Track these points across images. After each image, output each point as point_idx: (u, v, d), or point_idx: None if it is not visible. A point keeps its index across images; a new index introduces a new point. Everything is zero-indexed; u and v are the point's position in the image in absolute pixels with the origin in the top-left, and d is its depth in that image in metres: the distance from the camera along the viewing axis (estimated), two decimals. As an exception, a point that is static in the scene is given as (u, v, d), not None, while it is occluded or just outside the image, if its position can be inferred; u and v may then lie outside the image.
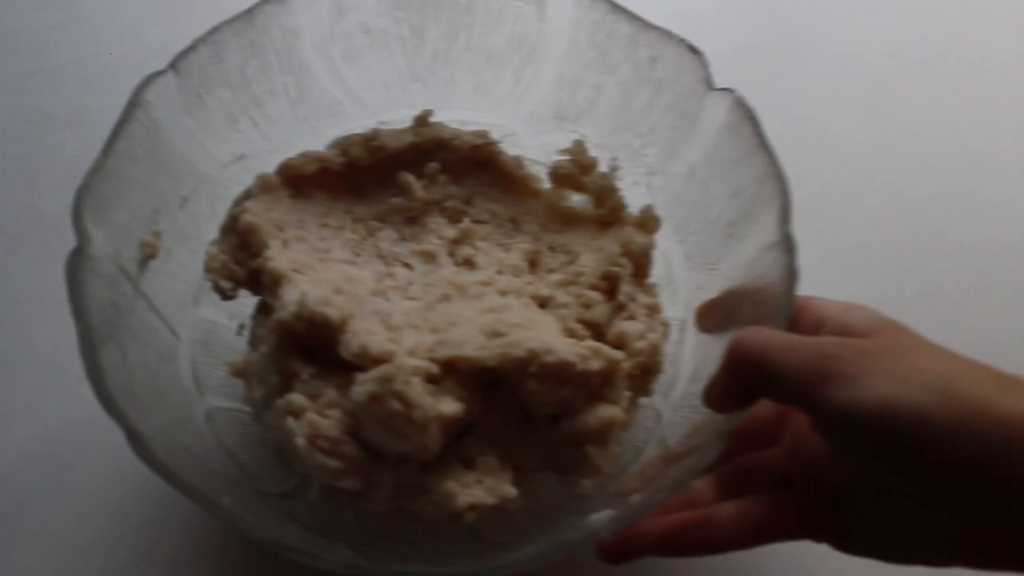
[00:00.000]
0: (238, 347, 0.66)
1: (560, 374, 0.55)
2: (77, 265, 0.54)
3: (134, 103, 0.61)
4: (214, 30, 0.65)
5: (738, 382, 0.49)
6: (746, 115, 0.61)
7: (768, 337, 0.48)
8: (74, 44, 0.98)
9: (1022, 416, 0.40)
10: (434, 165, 0.69)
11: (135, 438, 0.49)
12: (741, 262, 0.60)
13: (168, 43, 0.96)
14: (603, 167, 0.69)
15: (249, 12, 0.67)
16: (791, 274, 0.54)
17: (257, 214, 0.64)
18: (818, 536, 0.51)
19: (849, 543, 0.50)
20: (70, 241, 0.78)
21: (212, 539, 0.66)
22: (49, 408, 0.72)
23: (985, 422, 0.40)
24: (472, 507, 0.53)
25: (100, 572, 0.66)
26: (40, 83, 0.94)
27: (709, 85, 0.64)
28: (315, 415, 0.55)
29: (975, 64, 0.98)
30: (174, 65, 0.64)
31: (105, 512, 0.68)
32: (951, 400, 0.41)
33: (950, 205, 0.87)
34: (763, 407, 0.51)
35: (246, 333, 0.65)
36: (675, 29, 0.67)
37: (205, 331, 0.66)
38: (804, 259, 0.77)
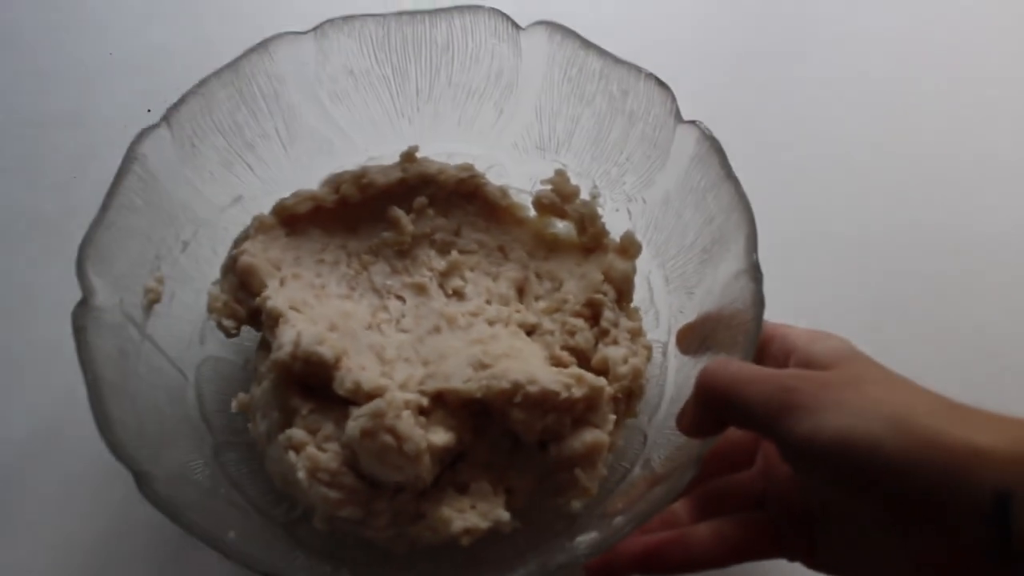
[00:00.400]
0: (246, 381, 0.68)
1: (544, 403, 0.58)
2: (83, 317, 0.56)
3: (130, 157, 0.63)
4: (203, 82, 0.68)
5: (707, 412, 0.52)
6: (713, 147, 0.63)
7: (734, 370, 0.50)
8: (74, 44, 0.98)
9: (971, 447, 0.42)
10: (422, 200, 0.71)
11: (142, 481, 0.51)
12: (715, 287, 0.63)
13: (168, 43, 0.97)
14: (585, 195, 0.72)
15: (235, 63, 0.69)
16: (758, 301, 0.56)
17: (254, 255, 0.67)
18: (791, 555, 0.54)
19: (820, 562, 0.52)
20: (70, 241, 0.79)
21: None
22: (49, 408, 0.73)
23: (936, 453, 0.42)
24: (467, 531, 0.57)
25: (100, 571, 0.67)
26: (40, 83, 0.95)
27: (678, 118, 0.66)
28: (314, 449, 0.58)
29: (976, 63, 0.99)
30: (166, 118, 0.66)
31: (106, 512, 0.68)
32: (904, 432, 0.43)
33: (950, 205, 0.87)
34: (738, 431, 0.53)
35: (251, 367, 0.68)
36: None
37: (212, 368, 0.68)
38: (804, 257, 0.78)
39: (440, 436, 0.57)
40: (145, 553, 0.67)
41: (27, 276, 0.81)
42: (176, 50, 0.97)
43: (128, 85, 0.94)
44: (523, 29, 0.71)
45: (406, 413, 0.56)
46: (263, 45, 0.69)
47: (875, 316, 0.79)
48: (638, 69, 0.68)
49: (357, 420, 0.56)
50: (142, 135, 0.64)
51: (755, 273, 0.57)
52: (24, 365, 0.76)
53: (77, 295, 0.75)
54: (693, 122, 0.65)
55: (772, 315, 0.57)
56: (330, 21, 0.71)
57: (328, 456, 0.58)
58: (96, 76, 0.95)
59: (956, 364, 0.75)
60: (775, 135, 0.92)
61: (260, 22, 0.97)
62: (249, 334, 0.68)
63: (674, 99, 0.67)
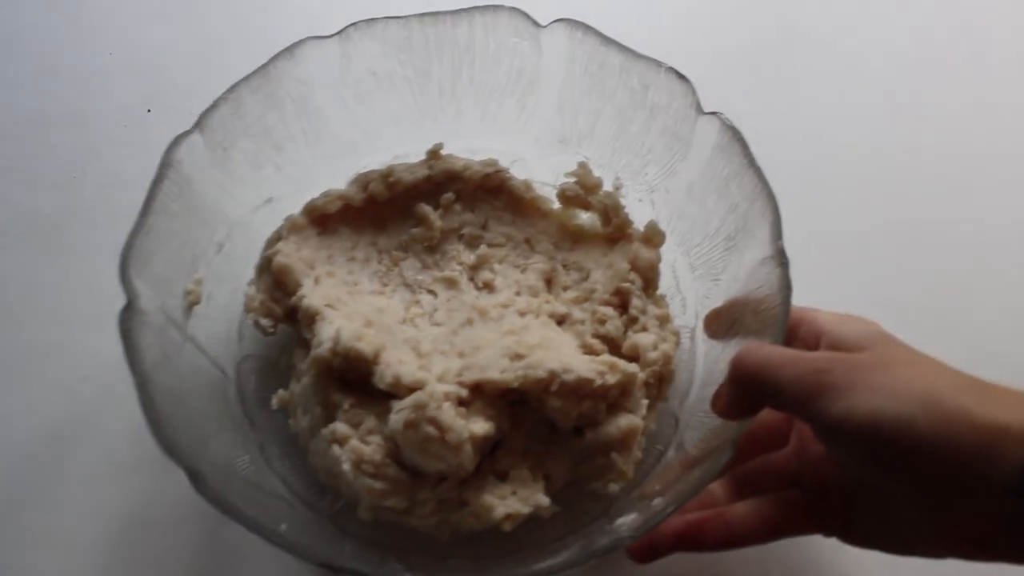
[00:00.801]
0: (282, 378, 0.69)
1: (579, 390, 0.60)
2: (129, 321, 0.57)
3: (165, 164, 0.64)
4: (232, 88, 0.69)
5: (742, 394, 0.54)
6: (735, 136, 0.65)
7: (766, 353, 0.52)
8: (74, 44, 0.98)
9: (997, 425, 0.44)
10: (449, 196, 0.73)
11: (196, 478, 0.52)
12: (740, 274, 0.64)
13: (168, 43, 0.98)
14: (608, 186, 0.73)
15: (264, 68, 0.70)
16: (786, 286, 0.58)
17: (288, 255, 0.68)
18: (827, 531, 0.56)
19: (855, 537, 0.54)
20: (70, 241, 0.81)
21: (213, 538, 0.68)
22: (49, 408, 0.73)
23: (964, 431, 0.44)
24: (509, 517, 0.59)
25: (100, 570, 0.67)
26: (40, 83, 0.95)
27: (699, 110, 0.68)
28: (358, 442, 0.60)
29: (977, 63, 0.99)
30: (199, 124, 0.67)
31: (105, 511, 0.68)
32: (934, 411, 0.45)
33: (951, 205, 0.87)
34: (771, 412, 0.55)
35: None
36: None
37: (250, 365, 0.70)
38: (806, 257, 0.79)
39: (480, 426, 0.59)
40: (147, 553, 0.68)
41: (27, 276, 0.81)
42: (176, 50, 0.98)
43: (128, 85, 0.94)
44: (543, 27, 0.72)
45: (447, 404, 0.58)
46: (289, 50, 0.71)
47: (876, 314, 0.79)
48: (658, 63, 0.70)
49: (400, 413, 0.58)
50: (176, 141, 0.65)
51: (781, 259, 0.59)
52: (24, 365, 0.76)
53: (76, 295, 0.77)
54: (715, 113, 0.66)
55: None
56: (354, 24, 0.72)
57: (372, 448, 0.59)
58: (96, 76, 0.96)
59: (957, 364, 0.75)
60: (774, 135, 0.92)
61: (260, 22, 0.99)
62: (281, 331, 0.69)
63: (694, 92, 0.68)
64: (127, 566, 0.67)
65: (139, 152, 0.84)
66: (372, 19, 0.73)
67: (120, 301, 0.69)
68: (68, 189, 0.86)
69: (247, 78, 0.70)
